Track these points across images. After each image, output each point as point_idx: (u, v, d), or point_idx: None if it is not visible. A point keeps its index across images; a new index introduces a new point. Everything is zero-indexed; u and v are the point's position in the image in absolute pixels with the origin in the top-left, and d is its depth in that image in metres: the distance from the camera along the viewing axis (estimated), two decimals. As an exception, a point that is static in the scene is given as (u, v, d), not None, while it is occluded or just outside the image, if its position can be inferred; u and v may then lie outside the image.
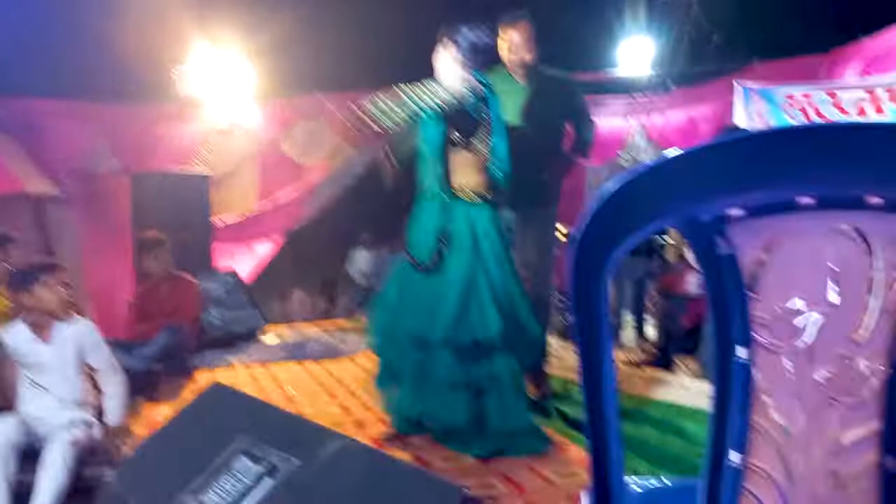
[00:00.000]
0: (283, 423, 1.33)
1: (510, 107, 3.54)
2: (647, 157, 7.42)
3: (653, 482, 1.24)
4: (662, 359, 4.43)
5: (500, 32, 3.53)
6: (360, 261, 8.94)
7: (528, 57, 3.52)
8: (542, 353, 3.81)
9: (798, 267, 0.86)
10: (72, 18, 5.78)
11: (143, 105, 7.09)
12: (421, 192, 3.05)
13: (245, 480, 1.27)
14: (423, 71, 3.06)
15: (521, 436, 2.87)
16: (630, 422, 3.38)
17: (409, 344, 2.87)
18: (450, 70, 2.99)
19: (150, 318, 4.59)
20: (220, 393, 1.45)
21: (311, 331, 5.89)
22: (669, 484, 1.23)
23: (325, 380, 4.35)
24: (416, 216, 3.03)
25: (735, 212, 0.84)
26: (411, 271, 2.95)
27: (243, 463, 1.31)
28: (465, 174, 2.98)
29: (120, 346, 4.39)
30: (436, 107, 2.89)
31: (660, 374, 4.25)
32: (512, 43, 3.51)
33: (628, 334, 5.56)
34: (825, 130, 0.82)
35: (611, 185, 0.90)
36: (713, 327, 0.89)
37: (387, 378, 3.08)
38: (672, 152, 0.85)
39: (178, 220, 5.99)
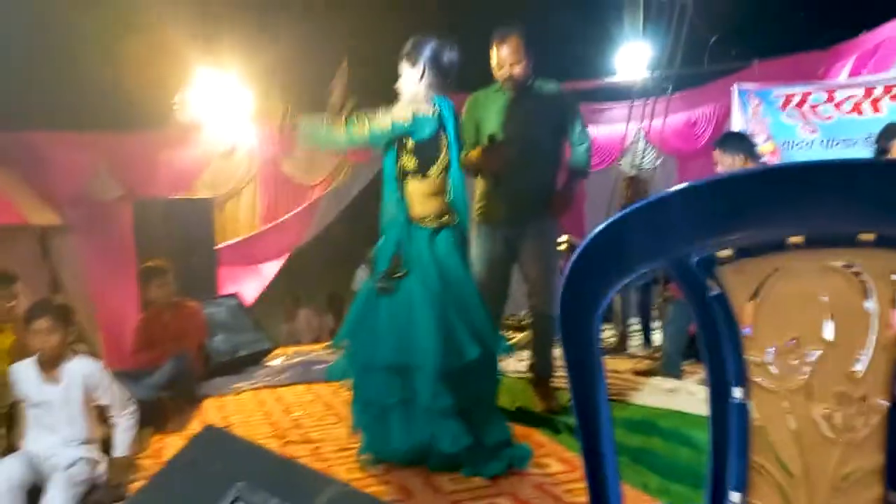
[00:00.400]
0: (279, 469, 1.32)
1: (503, 122, 3.55)
2: (648, 162, 7.41)
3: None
4: (669, 366, 4.39)
5: (493, 47, 3.53)
6: (364, 277, 8.92)
7: (518, 71, 3.50)
8: (549, 366, 3.79)
9: (791, 306, 0.84)
10: (71, 49, 5.81)
11: (144, 132, 7.12)
12: (384, 218, 2.99)
13: (243, 529, 1.26)
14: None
15: (504, 448, 2.85)
16: (639, 434, 3.35)
17: (389, 374, 2.79)
18: (411, 90, 2.92)
19: (156, 347, 4.58)
20: (212, 437, 1.44)
21: (319, 351, 5.87)
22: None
23: (331, 401, 4.33)
24: (381, 242, 2.98)
25: (724, 253, 0.83)
26: (375, 299, 2.88)
27: (241, 511, 1.29)
28: (422, 203, 2.92)
29: (127, 375, 4.39)
30: (385, 134, 2.86)
31: (667, 381, 4.21)
32: (502, 58, 3.50)
33: (635, 342, 5.52)
34: (813, 169, 0.81)
35: (598, 227, 0.88)
36: (707, 370, 0.87)
37: (365, 415, 2.96)
38: (657, 196, 0.83)
39: (182, 245, 6.00)
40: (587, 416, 0.93)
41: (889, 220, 0.78)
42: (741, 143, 3.71)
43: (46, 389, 2.75)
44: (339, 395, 4.45)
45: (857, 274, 0.82)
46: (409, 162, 2.92)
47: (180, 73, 6.95)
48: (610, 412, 0.92)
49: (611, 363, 4.94)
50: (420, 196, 2.92)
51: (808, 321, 0.84)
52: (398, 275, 2.81)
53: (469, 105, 3.69)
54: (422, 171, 2.92)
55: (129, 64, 5.93)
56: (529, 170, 3.52)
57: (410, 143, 2.90)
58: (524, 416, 3.57)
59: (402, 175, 2.94)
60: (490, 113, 3.60)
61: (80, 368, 2.82)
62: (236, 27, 6.79)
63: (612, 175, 7.40)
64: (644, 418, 3.58)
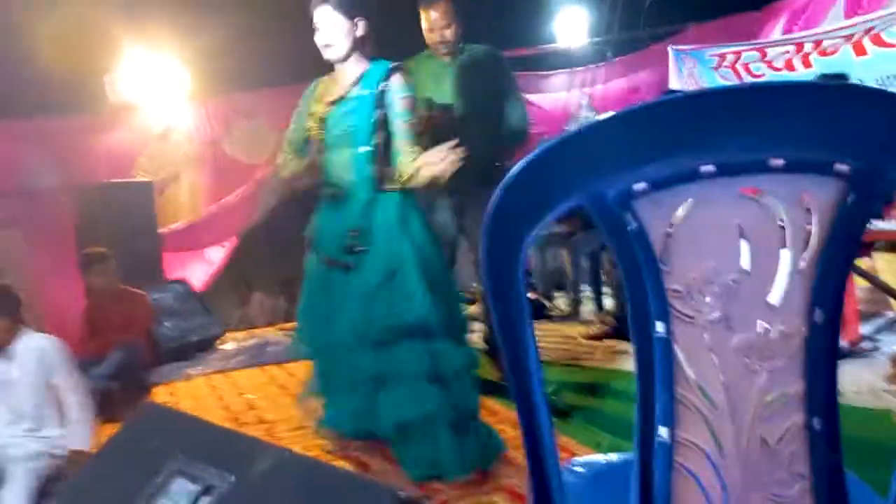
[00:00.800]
0: (217, 439, 1.30)
1: (438, 88, 3.51)
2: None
3: (594, 459, 1.23)
4: (621, 328, 4.46)
5: (421, 13, 3.50)
6: None
7: (448, 34, 3.48)
8: None
9: (706, 235, 0.84)
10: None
11: (76, 116, 6.88)
12: (326, 188, 2.73)
13: (182, 502, 1.24)
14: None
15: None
16: (593, 396, 3.40)
17: (357, 351, 2.58)
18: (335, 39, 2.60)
19: (101, 336, 4.47)
20: (151, 413, 1.41)
21: (271, 334, 5.80)
22: (611, 459, 1.22)
23: (286, 382, 4.30)
24: (323, 212, 2.73)
25: (639, 186, 0.82)
26: (327, 272, 2.68)
27: (180, 484, 1.27)
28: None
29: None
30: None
31: (619, 344, 4.28)
32: (432, 22, 3.48)
33: (588, 308, 5.59)
34: (718, 94, 0.80)
35: (518, 165, 0.87)
36: (629, 305, 0.87)
37: (322, 388, 2.81)
38: (568, 133, 0.82)
39: (123, 231, 5.84)
40: (514, 354, 0.92)
41: (792, 143, 0.78)
42: None
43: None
44: (293, 376, 4.42)
45: (769, 200, 0.82)
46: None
47: (111, 54, 6.73)
48: (535, 345, 0.91)
49: (564, 329, 5.00)
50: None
51: (724, 250, 0.84)
52: (358, 250, 2.59)
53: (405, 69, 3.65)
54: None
55: (55, 46, 5.71)
56: (469, 135, 3.49)
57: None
58: (479, 385, 3.58)
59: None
60: (423, 79, 3.51)
61: (35, 344, 2.71)
62: (169, 3, 6.59)
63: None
64: (596, 380, 3.64)
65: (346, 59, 2.62)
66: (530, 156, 0.85)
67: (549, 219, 0.89)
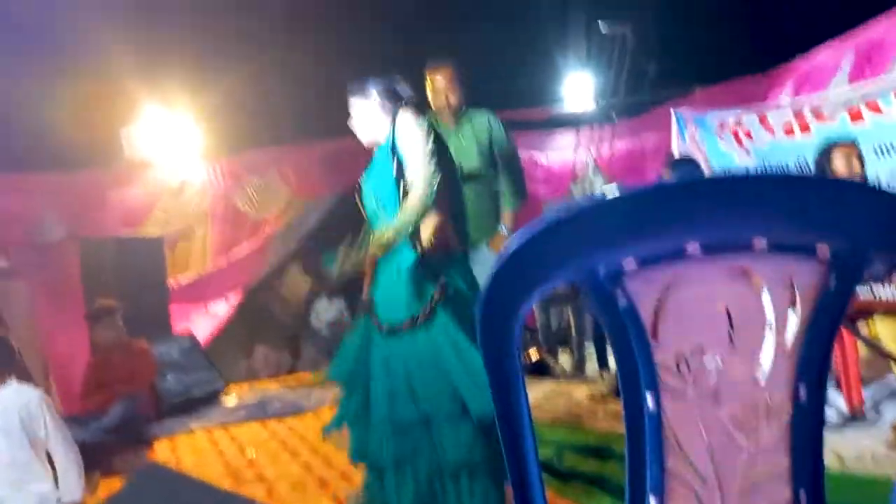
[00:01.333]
0: (217, 502, 1.31)
1: None
2: (599, 188, 7.54)
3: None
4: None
5: (427, 78, 3.63)
6: (322, 311, 8.94)
7: (452, 99, 3.63)
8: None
9: (694, 312, 0.87)
10: (10, 91, 5.73)
11: (90, 171, 7.01)
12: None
13: (180, 563, 1.25)
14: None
15: None
16: (594, 458, 3.38)
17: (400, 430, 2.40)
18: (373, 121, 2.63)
19: (105, 389, 4.49)
20: (152, 473, 1.42)
21: (274, 388, 5.79)
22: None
23: (287, 438, 4.28)
24: (381, 276, 2.56)
25: (629, 264, 0.86)
26: (379, 338, 2.50)
27: (179, 545, 1.28)
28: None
29: (75, 420, 4.28)
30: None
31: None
32: (436, 87, 3.63)
33: (592, 366, 5.57)
34: (706, 184, 0.85)
35: (512, 243, 0.91)
36: (619, 377, 0.90)
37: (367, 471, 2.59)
38: (566, 209, 0.87)
39: (132, 284, 5.91)
40: (509, 423, 0.95)
41: (776, 227, 0.82)
42: (689, 167, 3.87)
43: None
44: (294, 432, 4.40)
45: (753, 279, 0.86)
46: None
47: (128, 110, 6.89)
48: (531, 420, 0.94)
49: (567, 388, 4.97)
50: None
51: (712, 326, 0.87)
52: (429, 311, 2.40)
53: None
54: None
55: (73, 102, 5.86)
56: (468, 197, 3.58)
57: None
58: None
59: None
60: None
61: (15, 397, 2.71)
62: (185, 62, 6.77)
63: (566, 202, 7.52)
64: (598, 442, 3.61)
65: (395, 119, 2.59)
66: (527, 233, 0.89)
67: (543, 293, 0.93)
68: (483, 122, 3.70)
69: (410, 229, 2.42)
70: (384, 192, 2.51)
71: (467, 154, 3.62)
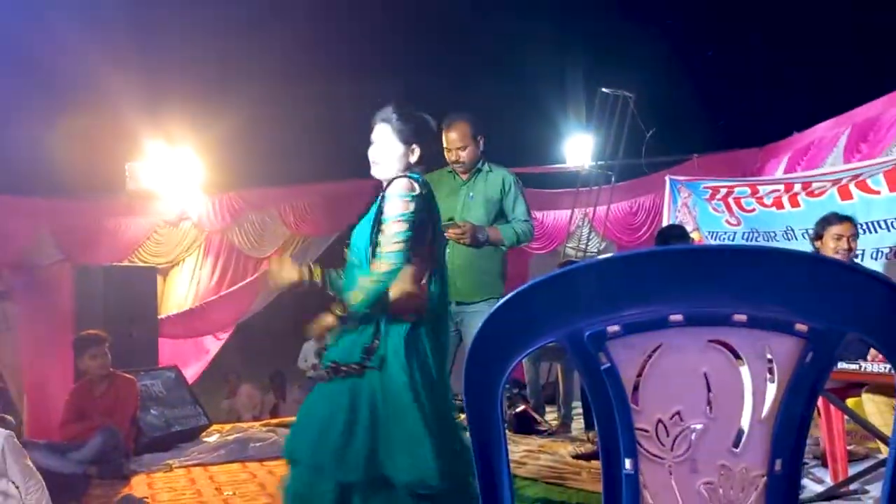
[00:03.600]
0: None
1: (452, 203, 3.67)
2: (592, 247, 7.62)
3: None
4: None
5: (443, 132, 3.69)
6: (310, 354, 8.97)
7: (464, 155, 3.68)
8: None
9: (674, 380, 0.90)
10: (20, 116, 5.81)
11: (91, 199, 7.07)
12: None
13: None
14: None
15: None
16: (576, 518, 3.34)
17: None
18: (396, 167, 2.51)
19: (86, 419, 4.43)
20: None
21: (256, 429, 5.72)
22: None
23: (266, 480, 4.21)
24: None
25: (613, 328, 0.88)
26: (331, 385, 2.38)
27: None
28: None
29: (52, 448, 4.22)
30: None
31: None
32: (450, 142, 3.68)
33: (577, 425, 5.53)
34: (690, 253, 0.88)
35: (501, 301, 0.94)
36: (599, 440, 0.91)
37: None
38: (553, 274, 0.89)
39: (123, 314, 5.88)
40: (490, 480, 0.96)
41: (755, 302, 0.85)
42: (678, 235, 3.97)
43: None
44: (274, 476, 4.34)
45: (734, 352, 0.88)
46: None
47: (130, 143, 6.98)
48: (511, 478, 0.95)
49: (552, 445, 4.93)
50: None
51: (691, 395, 0.90)
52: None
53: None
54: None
55: (80, 134, 5.95)
56: (477, 250, 3.62)
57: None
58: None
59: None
60: (439, 194, 3.64)
61: None
62: (187, 97, 6.90)
63: (559, 257, 7.59)
64: (579, 502, 3.57)
65: (391, 180, 2.45)
66: (515, 292, 0.92)
67: (529, 352, 0.95)
68: (497, 180, 3.75)
69: (372, 298, 2.33)
70: (360, 245, 2.46)
71: (473, 210, 3.68)
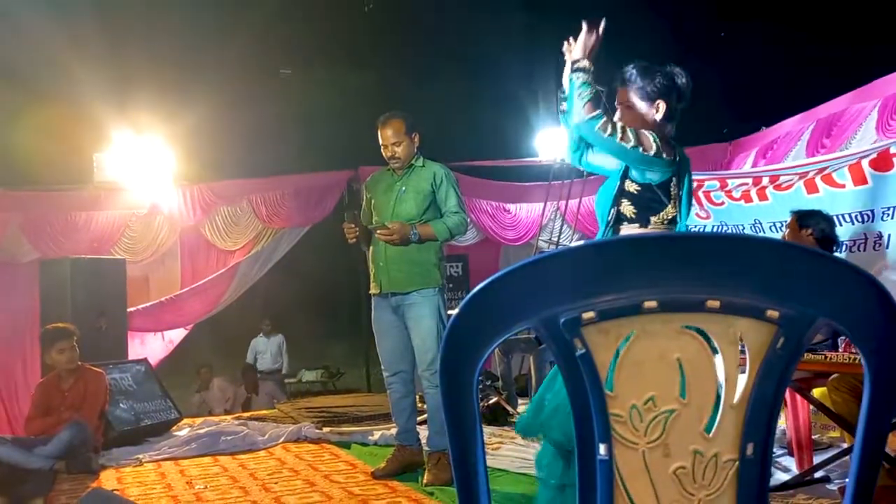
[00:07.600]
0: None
1: (386, 200, 3.85)
2: (563, 239, 7.66)
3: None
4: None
5: (378, 130, 3.82)
6: (260, 347, 9.21)
7: (398, 151, 3.79)
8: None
9: (648, 366, 0.91)
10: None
11: (60, 191, 6.95)
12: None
13: None
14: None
15: None
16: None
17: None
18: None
19: (53, 414, 4.37)
20: (98, 499, 1.40)
21: (228, 423, 5.67)
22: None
23: (237, 474, 4.19)
24: None
25: (588, 314, 0.89)
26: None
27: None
28: None
29: (19, 443, 4.16)
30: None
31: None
32: (385, 139, 3.79)
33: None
34: (662, 239, 0.89)
35: (477, 287, 0.94)
36: (575, 426, 0.92)
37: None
38: (527, 260, 0.90)
39: (91, 307, 5.80)
40: (465, 466, 0.96)
41: (728, 288, 0.86)
42: None
43: None
44: (245, 469, 4.32)
45: (707, 338, 0.90)
46: (627, 208, 2.48)
47: (98, 134, 6.86)
48: (486, 466, 0.96)
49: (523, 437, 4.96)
50: None
51: (664, 381, 0.91)
52: None
53: (367, 183, 4.10)
54: (641, 221, 2.46)
55: (46, 124, 5.84)
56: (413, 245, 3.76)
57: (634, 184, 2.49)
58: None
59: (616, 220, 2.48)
60: (377, 191, 3.93)
61: None
62: (157, 89, 6.80)
63: (532, 249, 7.63)
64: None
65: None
66: (490, 278, 0.92)
67: (503, 338, 0.95)
68: (428, 173, 3.85)
69: None
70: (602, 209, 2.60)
71: (405, 204, 3.80)
